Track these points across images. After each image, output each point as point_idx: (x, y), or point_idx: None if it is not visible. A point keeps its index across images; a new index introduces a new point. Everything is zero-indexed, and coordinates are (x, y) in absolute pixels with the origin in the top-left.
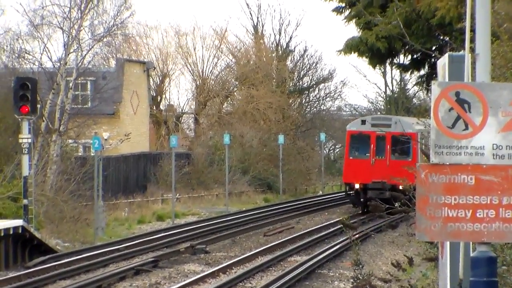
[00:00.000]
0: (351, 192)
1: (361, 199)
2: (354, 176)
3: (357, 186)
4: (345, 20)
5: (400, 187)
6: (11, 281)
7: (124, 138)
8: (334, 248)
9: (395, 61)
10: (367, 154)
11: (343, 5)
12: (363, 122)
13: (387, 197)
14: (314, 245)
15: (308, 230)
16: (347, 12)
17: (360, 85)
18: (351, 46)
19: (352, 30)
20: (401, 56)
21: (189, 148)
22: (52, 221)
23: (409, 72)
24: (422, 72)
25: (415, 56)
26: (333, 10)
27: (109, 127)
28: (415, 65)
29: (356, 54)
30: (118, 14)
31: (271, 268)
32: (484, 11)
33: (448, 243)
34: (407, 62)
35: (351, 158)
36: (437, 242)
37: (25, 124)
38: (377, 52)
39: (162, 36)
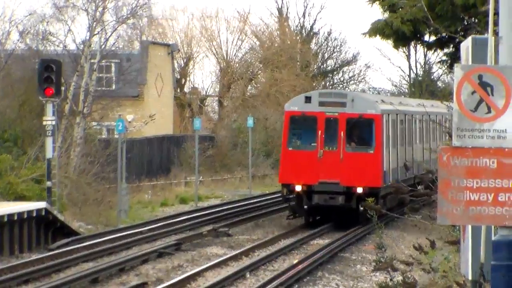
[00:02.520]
0: (290, 196)
1: (305, 206)
2: (294, 174)
3: (298, 188)
4: (369, 1)
5: (359, 190)
6: (34, 263)
7: (149, 120)
8: (357, 232)
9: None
10: (312, 144)
11: None
12: (308, 99)
13: (340, 205)
14: (337, 228)
15: None
16: None
17: (384, 68)
18: (377, 29)
19: (376, 12)
20: (426, 37)
21: (213, 131)
22: (75, 204)
23: (433, 50)
24: (446, 51)
25: (440, 35)
26: None
27: (133, 110)
28: (439, 44)
29: (380, 36)
30: None
31: (293, 251)
32: None
33: (469, 226)
34: (432, 41)
35: (290, 149)
36: (458, 225)
37: (49, 106)
38: (402, 35)
39: (188, 19)
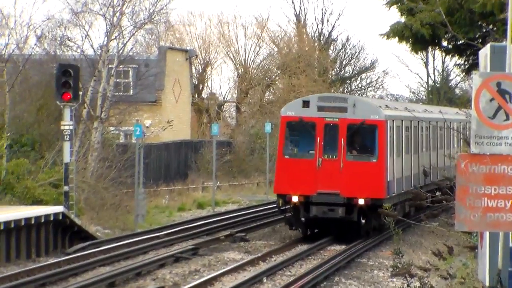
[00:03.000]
0: (286, 207)
1: (302, 218)
2: (291, 184)
3: (295, 199)
4: (387, 5)
5: (360, 202)
6: (51, 267)
7: (167, 125)
8: (374, 238)
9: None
10: (310, 152)
11: None
12: (306, 103)
13: (341, 217)
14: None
15: None
16: None
17: (402, 75)
18: (396, 31)
19: (393, 17)
20: (444, 43)
21: (230, 136)
22: (92, 208)
23: (451, 56)
24: (465, 58)
25: (458, 42)
26: None
27: (150, 115)
28: (457, 51)
29: (398, 39)
30: (158, 0)
31: (310, 257)
32: None
33: (487, 233)
34: (450, 47)
35: (286, 157)
36: (476, 232)
37: (67, 111)
38: (421, 38)
39: (205, 24)
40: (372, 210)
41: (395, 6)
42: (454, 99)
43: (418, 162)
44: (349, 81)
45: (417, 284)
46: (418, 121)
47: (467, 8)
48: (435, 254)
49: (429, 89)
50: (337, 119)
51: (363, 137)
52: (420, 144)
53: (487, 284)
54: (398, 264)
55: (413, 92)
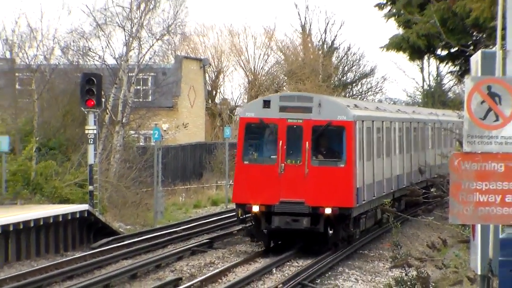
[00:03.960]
0: (246, 217)
1: (264, 229)
2: (251, 192)
3: (255, 208)
4: (385, 17)
5: (327, 211)
6: (77, 261)
7: (183, 127)
8: (375, 231)
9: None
10: (272, 157)
11: (384, 1)
12: (267, 103)
13: (306, 228)
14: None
15: None
16: (387, 8)
17: (399, 80)
18: (394, 43)
19: (392, 28)
20: (438, 51)
21: None
22: (115, 206)
23: (445, 63)
24: (457, 64)
25: (451, 50)
26: (375, 6)
27: (168, 119)
28: (451, 58)
29: (396, 50)
30: (175, 14)
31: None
32: None
33: (479, 226)
34: (444, 54)
35: (246, 163)
36: (469, 225)
37: (91, 116)
38: (417, 49)
39: (217, 35)
40: (340, 220)
41: (393, 18)
42: (447, 101)
43: (390, 166)
44: (350, 86)
45: (414, 273)
46: (391, 122)
47: (460, 17)
48: (430, 246)
49: (425, 92)
50: (301, 121)
51: (330, 140)
52: (394, 146)
53: (479, 272)
54: (397, 255)
55: (410, 96)
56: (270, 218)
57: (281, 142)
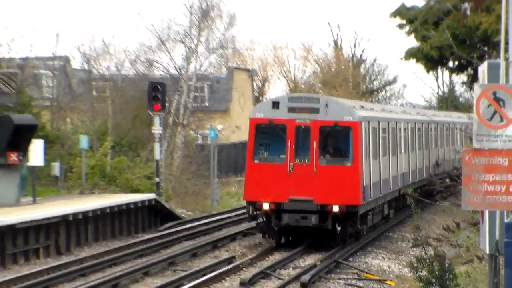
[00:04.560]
0: (257, 214)
1: (274, 226)
2: (261, 190)
3: (266, 206)
4: (406, 34)
5: (335, 209)
6: (147, 242)
7: (235, 128)
8: (399, 216)
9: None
10: (281, 156)
11: (404, 22)
12: (276, 104)
13: (314, 225)
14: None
15: None
16: (407, 27)
17: (418, 87)
18: (410, 54)
19: (412, 42)
20: (450, 62)
21: None
22: (178, 195)
23: (456, 73)
24: (466, 74)
25: (461, 61)
26: (397, 26)
27: (222, 121)
28: (460, 68)
29: (414, 60)
30: (227, 31)
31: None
32: None
33: (487, 211)
34: (455, 66)
35: (256, 162)
36: (478, 210)
37: (157, 119)
38: (431, 59)
39: (263, 49)
40: (347, 217)
41: (412, 34)
42: (459, 105)
43: (396, 164)
44: (376, 93)
45: (432, 252)
46: (396, 122)
47: (469, 32)
48: (445, 229)
49: (439, 98)
50: (308, 121)
51: (337, 140)
52: (399, 146)
53: (487, 252)
54: (418, 236)
55: (427, 101)
56: (280, 216)
57: (289, 142)
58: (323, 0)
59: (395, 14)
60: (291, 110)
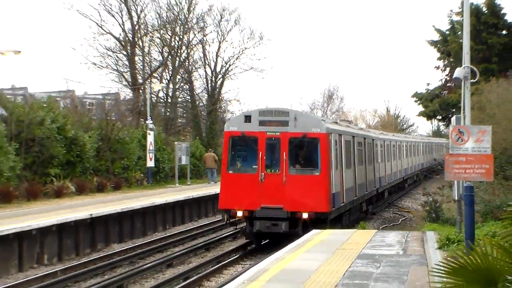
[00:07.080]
0: (234, 221)
1: (248, 232)
2: (235, 199)
3: (240, 214)
4: (417, 104)
5: (304, 216)
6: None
7: None
8: (416, 184)
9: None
10: (254, 167)
11: (416, 99)
12: (247, 118)
13: (285, 232)
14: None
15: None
16: (419, 101)
17: (422, 127)
18: (420, 113)
19: (420, 107)
20: (438, 116)
21: None
22: None
23: (441, 121)
24: (446, 121)
25: (443, 116)
26: (414, 100)
27: None
28: (443, 119)
29: (422, 116)
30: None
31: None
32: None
33: (455, 181)
34: (441, 118)
35: (230, 172)
36: (452, 180)
37: None
38: (429, 115)
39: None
40: (317, 223)
41: (421, 104)
42: (443, 136)
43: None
44: (406, 130)
45: (431, 198)
46: (373, 140)
47: (444, 102)
48: (439, 188)
49: (433, 132)
50: (278, 133)
51: (306, 151)
52: (375, 157)
53: (456, 198)
54: (424, 191)
55: (427, 133)
56: (252, 222)
57: (261, 153)
58: (382, 89)
59: (412, 95)
60: (262, 123)
